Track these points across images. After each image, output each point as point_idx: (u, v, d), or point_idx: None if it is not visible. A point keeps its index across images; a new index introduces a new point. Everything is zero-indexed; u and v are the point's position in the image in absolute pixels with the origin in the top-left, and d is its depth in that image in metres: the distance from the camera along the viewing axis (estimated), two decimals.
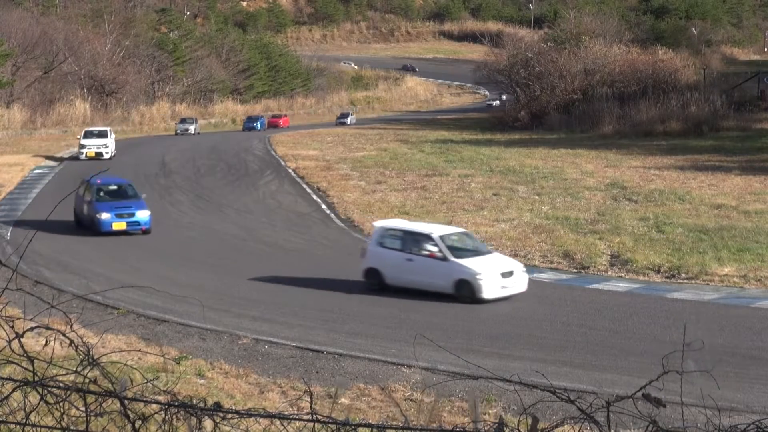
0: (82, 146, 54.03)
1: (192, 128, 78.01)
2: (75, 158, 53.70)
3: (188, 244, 30.47)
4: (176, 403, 3.58)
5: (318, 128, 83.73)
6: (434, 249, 22.58)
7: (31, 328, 3.89)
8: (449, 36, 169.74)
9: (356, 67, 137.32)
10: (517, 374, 4.60)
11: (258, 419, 3.64)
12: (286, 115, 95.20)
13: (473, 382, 14.48)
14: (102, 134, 55.99)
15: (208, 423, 3.58)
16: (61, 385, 3.69)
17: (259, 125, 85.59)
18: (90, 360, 3.72)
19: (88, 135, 55.66)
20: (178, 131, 78.13)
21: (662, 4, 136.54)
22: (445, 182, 42.27)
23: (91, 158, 52.74)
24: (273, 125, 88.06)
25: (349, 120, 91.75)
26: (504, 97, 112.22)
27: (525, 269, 22.70)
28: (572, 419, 3.40)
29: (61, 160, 54.63)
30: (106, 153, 54.00)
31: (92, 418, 3.67)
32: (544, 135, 65.93)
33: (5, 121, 73.01)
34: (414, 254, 22.88)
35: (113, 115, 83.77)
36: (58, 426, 3.67)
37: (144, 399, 3.71)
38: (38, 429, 3.78)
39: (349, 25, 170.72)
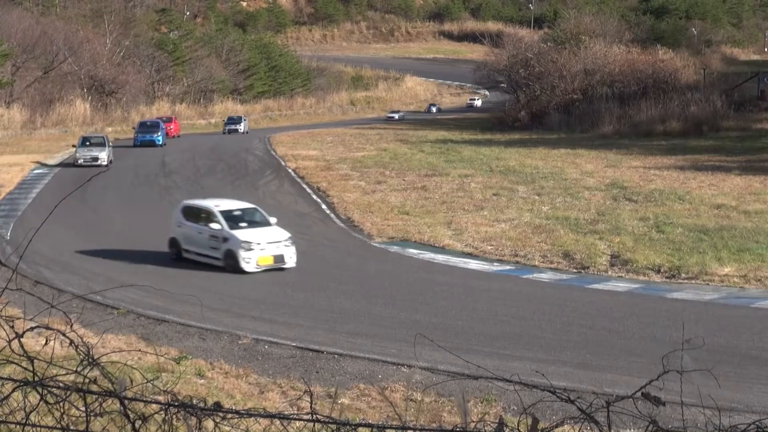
0: None
1: None
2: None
3: None
4: (176, 403, 3.57)
5: (318, 128, 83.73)
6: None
7: (31, 328, 3.89)
8: (449, 36, 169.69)
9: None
10: (517, 374, 4.60)
11: (258, 419, 3.64)
12: (174, 119, 74.99)
13: (463, 381, 14.50)
14: None
15: (208, 423, 3.58)
16: (61, 385, 3.69)
17: (161, 138, 62.83)
18: (90, 360, 3.72)
19: None
20: None
21: (662, 4, 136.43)
22: (445, 182, 42.28)
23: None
24: None
25: (241, 127, 78.30)
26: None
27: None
28: (572, 419, 3.39)
29: None
30: None
31: (92, 418, 3.67)
32: (544, 135, 65.94)
33: (5, 121, 72.99)
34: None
35: (113, 115, 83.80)
36: (58, 426, 3.67)
37: (144, 399, 3.71)
38: (38, 429, 3.78)
39: (349, 25, 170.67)
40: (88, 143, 51.88)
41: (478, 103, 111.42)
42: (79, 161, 50.11)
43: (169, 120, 71.60)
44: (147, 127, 63.64)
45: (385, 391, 15.16)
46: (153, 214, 36.33)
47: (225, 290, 23.35)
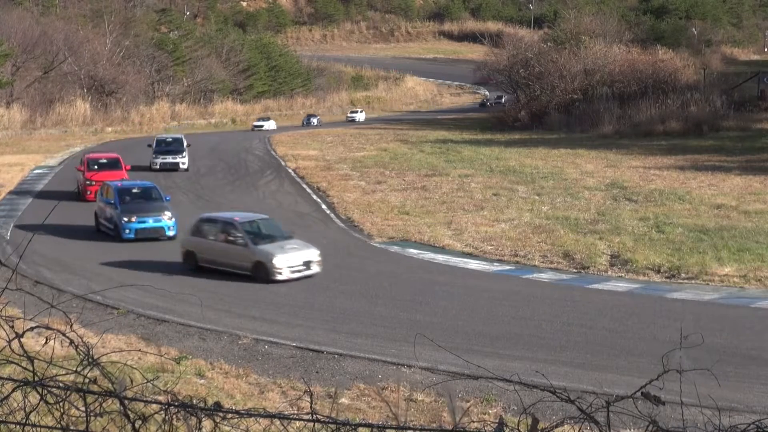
0: None
1: None
2: None
3: None
4: (176, 403, 3.57)
5: (318, 128, 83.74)
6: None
7: (31, 328, 3.89)
8: (449, 36, 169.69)
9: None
10: (517, 374, 4.60)
11: (258, 419, 3.64)
12: (121, 162, 40.60)
13: (450, 382, 14.52)
14: None
15: (208, 423, 3.58)
16: (61, 385, 3.69)
17: (133, 226, 30.26)
18: (90, 360, 3.72)
19: None
20: None
21: (662, 4, 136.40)
22: (445, 182, 42.28)
23: None
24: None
25: (182, 160, 48.72)
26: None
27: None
28: (572, 419, 3.39)
29: None
30: None
31: (92, 418, 3.67)
32: (544, 135, 65.96)
33: (5, 121, 73.04)
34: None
35: (113, 115, 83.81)
36: (58, 426, 3.67)
37: (144, 399, 3.70)
38: (38, 429, 3.78)
39: (349, 25, 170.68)
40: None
41: (361, 117, 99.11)
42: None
43: (115, 164, 40.08)
44: (133, 199, 31.55)
45: (385, 390, 15.17)
46: None
47: (225, 290, 23.35)
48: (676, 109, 65.23)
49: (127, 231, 30.03)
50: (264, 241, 24.92)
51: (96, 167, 39.37)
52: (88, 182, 38.33)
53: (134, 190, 31.77)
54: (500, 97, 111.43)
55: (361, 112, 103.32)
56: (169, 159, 48.96)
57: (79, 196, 38.67)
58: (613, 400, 3.43)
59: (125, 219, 30.03)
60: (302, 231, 32.65)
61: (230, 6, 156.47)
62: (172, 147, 49.93)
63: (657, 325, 19.38)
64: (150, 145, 50.46)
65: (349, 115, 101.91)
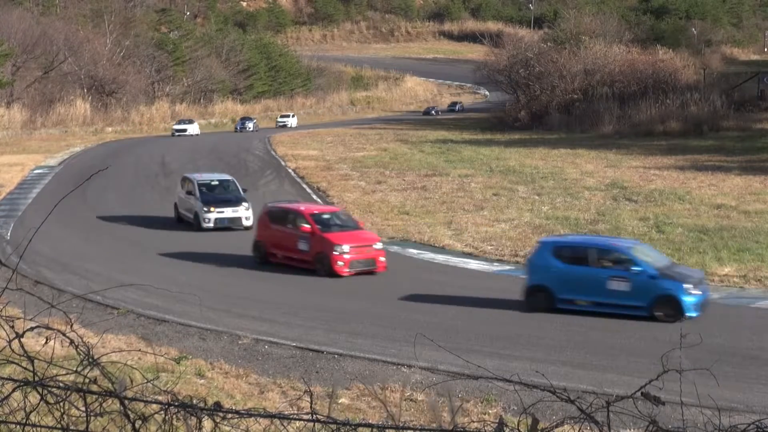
0: None
1: None
2: None
3: (188, 244, 30.43)
4: (176, 403, 3.57)
5: (318, 128, 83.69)
6: None
7: (31, 328, 3.89)
8: (449, 36, 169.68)
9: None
10: (517, 374, 4.60)
11: (258, 419, 3.64)
12: (348, 221, 27.90)
13: (455, 381, 14.51)
14: None
15: (208, 423, 3.58)
16: (61, 385, 3.68)
17: None
18: (90, 360, 3.72)
19: None
20: None
21: (662, 4, 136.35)
22: (445, 182, 42.28)
23: None
24: None
25: (245, 215, 32.82)
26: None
27: None
28: (572, 419, 3.39)
29: None
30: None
31: (92, 418, 3.67)
32: (544, 135, 65.95)
33: (5, 121, 73.06)
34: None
35: (113, 115, 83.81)
36: (58, 426, 3.66)
37: (144, 399, 3.70)
38: (38, 429, 3.78)
39: (349, 25, 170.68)
40: None
41: (293, 122, 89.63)
42: None
43: (345, 220, 28.05)
44: None
45: (386, 390, 15.16)
46: (153, 213, 36.31)
47: (225, 290, 23.35)
48: (676, 109, 65.22)
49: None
50: None
51: (321, 226, 26.50)
52: (337, 250, 25.32)
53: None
54: (455, 104, 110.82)
55: (292, 116, 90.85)
56: (229, 212, 32.79)
57: (263, 257, 27.19)
58: (613, 400, 3.43)
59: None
60: None
61: (230, 6, 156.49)
62: (228, 194, 33.80)
63: (657, 325, 19.38)
64: (192, 192, 33.49)
65: (279, 120, 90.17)
